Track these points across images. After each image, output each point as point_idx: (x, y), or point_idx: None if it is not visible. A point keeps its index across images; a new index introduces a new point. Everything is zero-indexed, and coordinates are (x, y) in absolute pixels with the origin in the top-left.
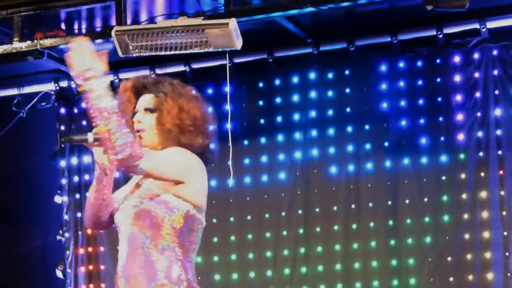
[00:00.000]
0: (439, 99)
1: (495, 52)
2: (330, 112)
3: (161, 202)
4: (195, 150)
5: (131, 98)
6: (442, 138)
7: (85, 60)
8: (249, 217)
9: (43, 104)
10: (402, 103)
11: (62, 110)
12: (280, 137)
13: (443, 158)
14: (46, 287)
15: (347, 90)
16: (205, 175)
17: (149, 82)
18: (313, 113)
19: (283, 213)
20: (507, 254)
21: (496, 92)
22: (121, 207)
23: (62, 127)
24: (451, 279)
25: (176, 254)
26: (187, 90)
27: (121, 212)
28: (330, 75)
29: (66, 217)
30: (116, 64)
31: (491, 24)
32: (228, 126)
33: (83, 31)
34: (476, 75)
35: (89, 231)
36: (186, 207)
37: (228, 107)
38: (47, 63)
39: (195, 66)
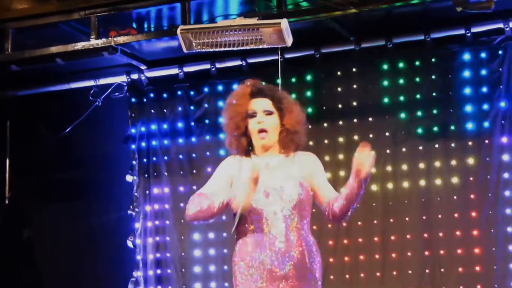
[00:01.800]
0: (467, 90)
1: None
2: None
3: None
4: (300, 148)
5: (246, 101)
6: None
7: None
8: None
9: (116, 94)
10: (434, 94)
11: (133, 99)
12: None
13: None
14: (118, 256)
15: (385, 83)
16: None
17: (264, 88)
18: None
19: None
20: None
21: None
22: None
23: (133, 114)
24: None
25: None
26: (289, 97)
27: None
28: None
29: (136, 194)
30: (181, 59)
31: None
32: None
33: (152, 29)
34: (500, 69)
35: (156, 206)
36: None
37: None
38: (120, 58)
39: (250, 61)
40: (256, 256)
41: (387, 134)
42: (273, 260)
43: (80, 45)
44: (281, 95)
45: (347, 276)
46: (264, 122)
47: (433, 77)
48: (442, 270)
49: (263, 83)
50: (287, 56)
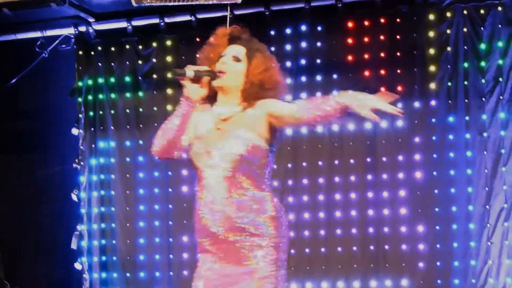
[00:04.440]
0: (415, 52)
1: (465, 12)
2: (318, 61)
3: None
4: None
5: (223, 44)
6: (416, 87)
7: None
8: None
9: (63, 46)
10: (382, 54)
11: (80, 52)
12: None
13: (416, 104)
14: (63, 209)
15: (334, 42)
16: None
17: (244, 36)
18: (303, 61)
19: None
20: (487, 188)
21: (465, 47)
22: None
23: (80, 67)
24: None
25: None
26: (272, 57)
27: None
28: (319, 28)
29: (82, 147)
30: (130, 13)
31: None
32: None
33: None
34: (448, 31)
35: (102, 160)
36: None
37: None
38: (68, 10)
39: (200, 16)
40: (200, 217)
41: (334, 76)
42: (213, 223)
43: None
44: (259, 48)
45: (292, 216)
46: (227, 64)
47: (381, 37)
48: (386, 212)
49: (247, 33)
50: (237, 12)
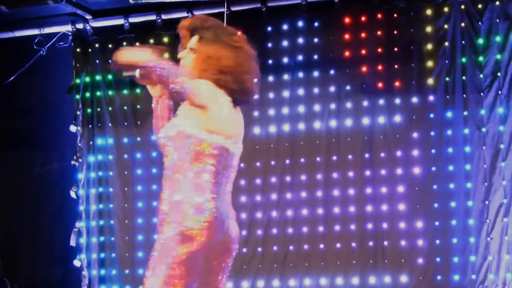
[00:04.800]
0: (412, 47)
1: (463, 6)
2: (315, 57)
3: None
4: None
5: (186, 36)
6: (413, 82)
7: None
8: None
9: (61, 43)
10: (379, 50)
11: (78, 49)
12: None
13: (414, 99)
14: (61, 206)
15: (331, 38)
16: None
17: (200, 25)
18: (300, 57)
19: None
20: (468, 185)
21: (463, 42)
22: None
23: (78, 64)
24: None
25: None
26: (230, 38)
27: None
28: (316, 24)
29: (80, 144)
30: (127, 10)
31: None
32: None
33: None
34: (446, 26)
35: (99, 157)
36: None
37: None
38: (65, 7)
39: (196, 12)
40: None
41: (331, 71)
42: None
43: None
44: (210, 35)
45: (290, 212)
46: (184, 58)
47: (379, 33)
48: (384, 207)
49: (210, 21)
50: (234, 9)
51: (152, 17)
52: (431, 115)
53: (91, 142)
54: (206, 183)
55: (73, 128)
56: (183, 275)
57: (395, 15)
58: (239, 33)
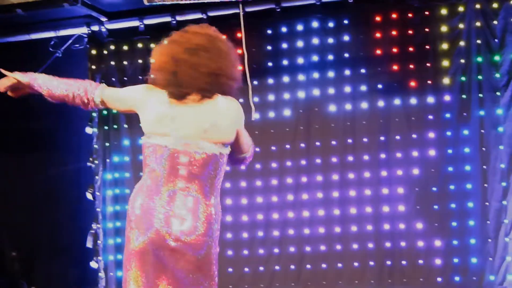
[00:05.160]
0: (427, 47)
1: (478, 6)
2: (330, 57)
3: None
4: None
5: None
6: (429, 82)
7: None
8: (257, 149)
9: (77, 45)
10: (394, 50)
11: (93, 51)
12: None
13: (430, 99)
14: (77, 208)
15: (346, 38)
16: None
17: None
18: (315, 58)
19: (287, 146)
20: (485, 185)
21: (478, 41)
22: None
23: (93, 66)
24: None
25: None
26: (169, 37)
27: None
28: (330, 24)
29: (95, 146)
30: (141, 11)
31: None
32: (246, 68)
33: None
34: (461, 26)
35: (115, 158)
36: None
37: (243, 51)
38: (80, 9)
39: (211, 14)
40: None
41: (346, 72)
42: None
43: None
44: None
45: (306, 195)
46: None
47: (393, 32)
48: (400, 190)
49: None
50: (248, 9)
51: (167, 19)
52: (447, 115)
53: (107, 144)
54: None
55: (89, 130)
56: None
57: (410, 14)
58: (187, 27)
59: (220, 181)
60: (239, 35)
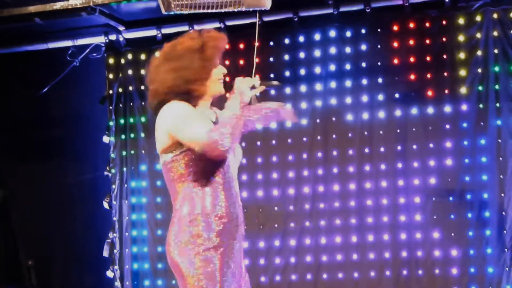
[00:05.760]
0: (445, 56)
1: (495, 15)
2: (348, 66)
3: None
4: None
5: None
6: (446, 91)
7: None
8: (274, 158)
9: (94, 54)
10: (412, 59)
11: (111, 60)
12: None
13: (447, 108)
14: (94, 217)
15: (363, 47)
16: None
17: None
18: (332, 67)
19: (305, 155)
20: (502, 195)
21: (495, 50)
22: None
23: (111, 75)
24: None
25: None
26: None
27: None
28: (348, 33)
29: (112, 155)
30: (159, 20)
31: None
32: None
33: None
34: (478, 35)
35: (132, 167)
36: None
37: (255, 59)
38: (98, 18)
39: (229, 23)
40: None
41: (364, 81)
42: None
43: (58, 5)
44: None
45: (322, 204)
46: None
47: (411, 42)
48: (417, 200)
49: None
50: (266, 19)
51: (185, 28)
52: (464, 125)
53: (124, 153)
54: None
55: (106, 139)
56: None
57: (427, 24)
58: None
59: (189, 183)
60: (256, 44)
